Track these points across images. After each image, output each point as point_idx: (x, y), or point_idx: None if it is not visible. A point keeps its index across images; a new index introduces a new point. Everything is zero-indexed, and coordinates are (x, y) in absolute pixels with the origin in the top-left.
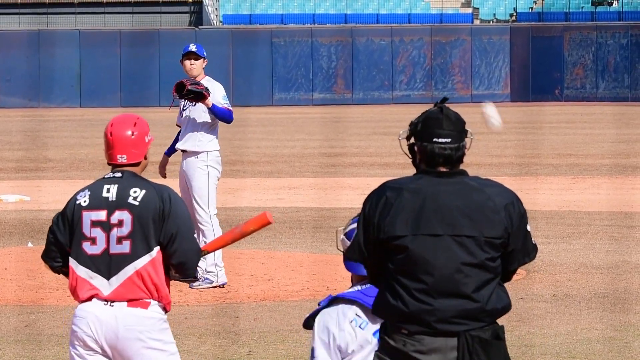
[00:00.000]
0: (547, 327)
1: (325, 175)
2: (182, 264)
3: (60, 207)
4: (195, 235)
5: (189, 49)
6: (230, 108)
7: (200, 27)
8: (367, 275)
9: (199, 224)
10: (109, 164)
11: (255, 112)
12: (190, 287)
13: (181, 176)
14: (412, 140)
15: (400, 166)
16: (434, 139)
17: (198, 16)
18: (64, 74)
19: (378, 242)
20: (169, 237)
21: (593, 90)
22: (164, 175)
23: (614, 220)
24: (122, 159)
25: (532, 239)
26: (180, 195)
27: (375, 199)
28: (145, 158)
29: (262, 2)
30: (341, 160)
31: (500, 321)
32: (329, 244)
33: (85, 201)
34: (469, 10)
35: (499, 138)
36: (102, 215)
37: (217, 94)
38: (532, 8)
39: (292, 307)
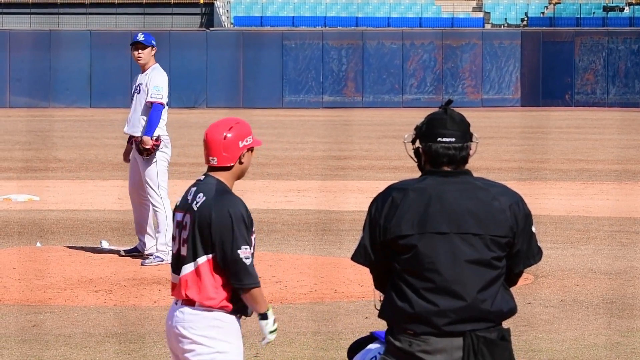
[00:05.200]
0: (554, 332)
1: (334, 178)
2: (230, 273)
3: (69, 207)
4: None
5: (137, 38)
6: (158, 100)
7: (211, 28)
8: (373, 280)
9: (152, 207)
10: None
11: (265, 114)
12: (141, 264)
13: (133, 160)
14: (417, 144)
15: (409, 170)
16: (438, 139)
17: (209, 18)
18: (75, 74)
19: (385, 243)
20: (212, 247)
21: (603, 96)
22: (127, 161)
23: (623, 226)
24: (213, 161)
25: (537, 242)
26: (129, 178)
27: (381, 200)
28: (241, 162)
29: (273, 5)
30: (350, 163)
31: (507, 325)
32: (336, 246)
33: (178, 201)
34: (480, 15)
35: (508, 142)
36: (180, 216)
37: (151, 84)
38: (543, 13)
39: (299, 309)
